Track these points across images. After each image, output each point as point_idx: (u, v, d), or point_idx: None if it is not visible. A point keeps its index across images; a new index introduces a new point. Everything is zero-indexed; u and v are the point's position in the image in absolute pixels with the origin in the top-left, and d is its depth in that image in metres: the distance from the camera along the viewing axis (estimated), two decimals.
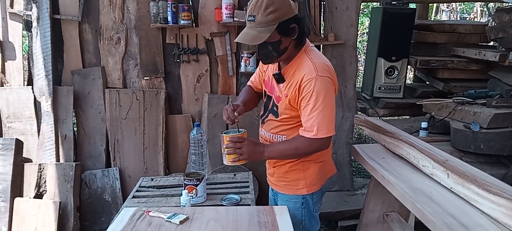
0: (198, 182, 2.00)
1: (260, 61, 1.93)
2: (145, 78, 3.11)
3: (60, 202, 2.82)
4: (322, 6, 3.22)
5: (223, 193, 2.15)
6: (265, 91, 1.87)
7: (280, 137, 1.77)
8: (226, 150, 1.68)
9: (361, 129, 3.54)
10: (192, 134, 2.22)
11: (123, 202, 2.98)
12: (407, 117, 4.12)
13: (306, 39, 1.74)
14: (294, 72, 1.67)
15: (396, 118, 4.43)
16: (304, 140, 1.65)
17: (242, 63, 3.05)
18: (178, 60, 3.10)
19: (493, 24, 3.87)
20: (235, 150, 1.67)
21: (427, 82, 4.33)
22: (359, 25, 3.31)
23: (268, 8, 1.55)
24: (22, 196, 2.85)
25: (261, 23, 1.57)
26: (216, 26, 3.05)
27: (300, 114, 1.68)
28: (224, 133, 1.72)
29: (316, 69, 1.61)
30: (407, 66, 3.85)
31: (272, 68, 1.80)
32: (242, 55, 3.05)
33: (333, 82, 1.66)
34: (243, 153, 1.67)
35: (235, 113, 1.73)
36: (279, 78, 1.72)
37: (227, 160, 1.70)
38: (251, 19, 1.58)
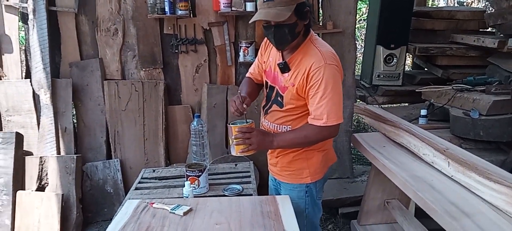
0: (200, 173, 2.00)
1: (260, 52, 1.93)
2: (143, 69, 3.10)
3: (62, 194, 2.83)
4: None
5: (225, 183, 2.16)
6: (266, 82, 1.86)
7: (284, 127, 1.77)
8: (235, 140, 1.67)
9: (360, 116, 3.56)
10: (192, 125, 2.22)
11: (125, 193, 3.00)
12: (406, 104, 4.12)
13: (311, 29, 1.73)
14: (300, 61, 1.67)
15: (395, 105, 4.44)
16: (314, 128, 1.66)
17: (241, 53, 3.04)
18: (176, 51, 3.08)
19: (491, 11, 3.87)
20: (245, 140, 1.66)
21: (426, 69, 4.33)
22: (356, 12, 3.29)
23: None
24: (24, 189, 2.85)
25: (282, 2, 1.56)
26: (214, 16, 3.02)
27: (307, 103, 1.68)
28: (231, 124, 1.70)
29: (324, 57, 1.62)
30: (406, 54, 3.84)
31: (275, 58, 1.79)
32: (240, 45, 3.03)
33: (340, 70, 1.67)
34: (253, 143, 1.66)
35: (244, 106, 1.72)
36: (284, 67, 1.71)
37: (236, 151, 1.69)
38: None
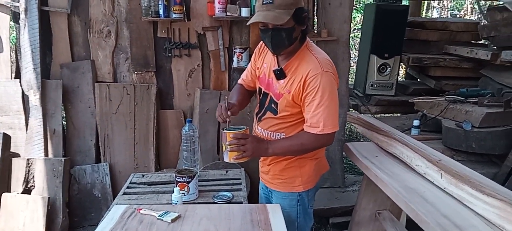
0: (190, 179, 1.97)
1: (253, 58, 1.91)
2: (136, 72, 3.06)
3: (48, 198, 2.77)
4: (315, 2, 3.20)
5: (215, 190, 2.13)
6: (260, 89, 1.84)
7: (278, 135, 1.75)
8: (229, 147, 1.64)
9: (352, 125, 3.54)
10: (184, 130, 2.19)
11: (113, 198, 2.95)
12: (399, 114, 4.13)
13: (307, 36, 1.72)
14: (296, 68, 1.66)
15: (387, 115, 4.44)
16: (309, 136, 1.65)
17: (235, 59, 3.02)
18: (169, 55, 3.05)
19: (485, 23, 3.89)
20: (239, 146, 1.64)
21: (419, 80, 4.34)
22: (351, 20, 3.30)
23: None
24: (10, 191, 2.80)
25: (281, 6, 1.55)
26: (209, 20, 3.00)
27: (303, 110, 1.67)
28: (226, 130, 1.67)
29: (321, 65, 1.61)
30: (399, 64, 3.85)
31: (269, 64, 1.77)
32: (234, 50, 3.02)
33: (336, 78, 1.67)
34: (247, 149, 1.64)
35: (229, 113, 1.69)
36: (280, 74, 1.69)
37: (229, 157, 1.66)
38: (268, 2, 1.55)
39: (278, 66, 1.72)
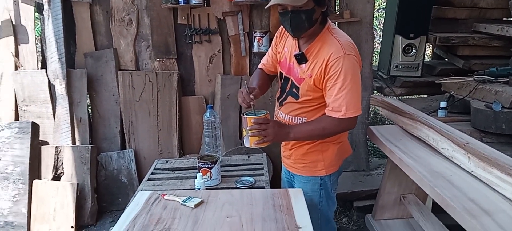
0: (213, 165, 1.99)
1: (274, 42, 1.88)
2: (157, 60, 3.09)
3: (77, 184, 2.86)
4: None
5: (238, 175, 2.14)
6: (281, 73, 1.82)
7: (300, 119, 1.74)
8: (250, 131, 1.63)
9: (377, 108, 3.47)
10: (205, 117, 2.20)
11: (139, 183, 3.01)
12: (425, 96, 4.01)
13: (328, 18, 1.68)
14: (318, 51, 1.63)
15: (413, 97, 4.33)
16: (332, 120, 1.62)
17: (255, 43, 2.99)
18: (190, 41, 3.06)
19: None
20: (260, 131, 1.63)
21: (446, 60, 4.19)
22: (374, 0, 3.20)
23: None
24: (40, 178, 2.90)
25: None
26: (228, 5, 2.98)
27: (324, 94, 1.64)
28: (247, 114, 1.66)
29: (343, 47, 1.57)
30: (425, 44, 3.72)
31: (290, 49, 1.74)
32: (255, 35, 2.99)
33: (358, 60, 1.63)
34: (268, 134, 1.63)
35: (251, 97, 1.68)
36: (302, 58, 1.66)
37: (250, 143, 1.65)
38: None
39: (299, 50, 1.69)
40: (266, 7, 1.67)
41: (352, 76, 1.57)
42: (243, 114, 1.68)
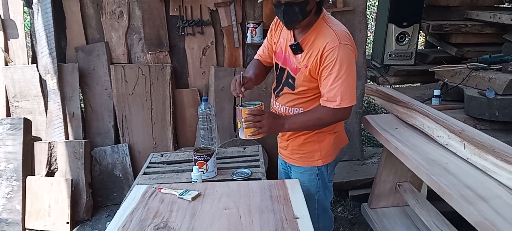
0: (209, 157, 1.98)
1: (269, 33, 1.87)
2: (149, 52, 3.05)
3: (72, 179, 2.84)
4: None
5: (234, 167, 2.14)
6: (277, 64, 1.81)
7: (296, 110, 1.73)
8: (245, 123, 1.63)
9: (371, 97, 3.48)
10: (200, 109, 2.19)
11: (134, 178, 3.00)
12: (418, 84, 4.03)
13: (323, 8, 1.67)
14: (313, 41, 1.62)
15: (406, 85, 4.34)
16: (327, 110, 1.62)
17: (248, 34, 2.97)
18: (182, 33, 3.02)
19: None
20: (255, 123, 1.62)
21: (439, 48, 4.20)
22: None
23: None
24: (34, 175, 2.87)
25: None
26: None
27: (320, 84, 1.64)
28: (241, 106, 1.66)
29: (338, 37, 1.56)
30: (419, 32, 3.73)
31: (286, 39, 1.73)
32: (248, 25, 2.96)
33: (354, 50, 1.62)
34: (263, 126, 1.63)
35: (242, 89, 1.67)
36: (297, 48, 1.65)
37: (245, 134, 1.65)
38: None
39: (295, 40, 1.68)
40: (259, 2, 1.65)
41: (347, 66, 1.56)
42: (238, 106, 1.67)
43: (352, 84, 1.59)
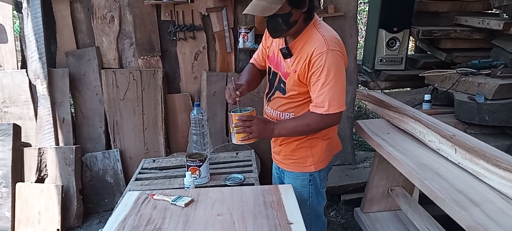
0: (201, 163, 1.97)
1: (264, 37, 1.87)
2: (141, 57, 3.04)
3: (62, 186, 2.80)
4: None
5: (226, 172, 2.13)
6: (270, 68, 1.82)
7: (287, 115, 1.74)
8: (235, 129, 1.65)
9: (362, 102, 3.50)
10: (192, 114, 2.18)
11: (126, 183, 2.98)
12: (409, 89, 4.07)
13: (315, 13, 1.67)
14: (303, 46, 1.62)
15: (397, 90, 4.38)
16: (315, 116, 1.62)
17: (240, 39, 2.98)
18: (174, 38, 3.02)
19: None
20: (245, 128, 1.64)
21: (429, 53, 4.25)
22: None
23: None
24: (24, 181, 2.83)
25: None
26: (212, 1, 2.95)
27: (309, 90, 1.64)
28: (232, 112, 1.68)
29: (326, 43, 1.56)
30: (409, 37, 3.77)
31: (278, 43, 1.74)
32: (240, 30, 2.97)
33: (343, 56, 1.62)
34: (253, 131, 1.64)
35: (237, 93, 1.68)
36: (287, 53, 1.66)
37: (236, 139, 1.67)
38: None
39: (285, 44, 1.68)
40: (243, 13, 1.66)
41: (336, 71, 1.56)
42: (229, 112, 1.69)
43: (340, 90, 1.59)
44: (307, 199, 1.83)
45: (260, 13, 1.54)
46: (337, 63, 1.57)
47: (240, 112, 1.68)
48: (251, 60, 1.97)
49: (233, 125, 1.66)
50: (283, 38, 1.70)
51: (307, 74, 1.60)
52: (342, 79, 1.60)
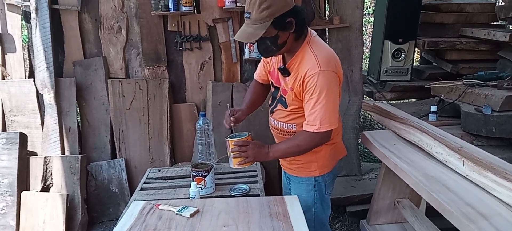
0: (207, 173, 1.97)
1: None
2: (147, 67, 3.06)
3: (67, 195, 2.80)
4: None
5: (232, 183, 2.13)
6: (272, 82, 1.88)
7: (290, 126, 1.79)
8: (232, 153, 1.73)
9: (368, 113, 3.49)
10: (198, 124, 2.18)
11: (130, 193, 2.97)
12: (414, 100, 4.05)
13: (309, 29, 1.72)
14: (298, 66, 1.67)
15: (403, 101, 4.36)
16: (305, 136, 1.68)
17: (246, 50, 2.99)
18: (180, 48, 3.04)
19: (502, 3, 3.77)
20: (241, 153, 1.71)
21: (435, 64, 4.24)
22: (363, 6, 3.21)
23: (262, 5, 1.54)
24: (29, 190, 2.83)
25: (256, 20, 1.56)
26: (219, 12, 2.97)
27: (303, 107, 1.70)
28: (229, 138, 1.76)
29: (319, 64, 1.61)
30: (414, 48, 3.76)
31: (277, 60, 1.80)
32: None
33: (337, 74, 1.66)
34: (249, 155, 1.72)
35: (232, 119, 1.80)
36: (284, 71, 1.72)
37: (233, 164, 1.75)
38: (247, 16, 1.59)
39: (283, 63, 1.74)
40: (234, 39, 1.72)
41: (327, 91, 1.60)
42: (226, 138, 1.76)
43: (331, 109, 1.64)
44: (311, 205, 1.86)
45: (246, 40, 1.61)
46: (328, 83, 1.61)
47: (235, 137, 1.75)
48: (255, 76, 2.04)
49: (230, 150, 1.73)
50: (281, 56, 1.75)
51: (302, 93, 1.67)
52: (334, 98, 1.65)
